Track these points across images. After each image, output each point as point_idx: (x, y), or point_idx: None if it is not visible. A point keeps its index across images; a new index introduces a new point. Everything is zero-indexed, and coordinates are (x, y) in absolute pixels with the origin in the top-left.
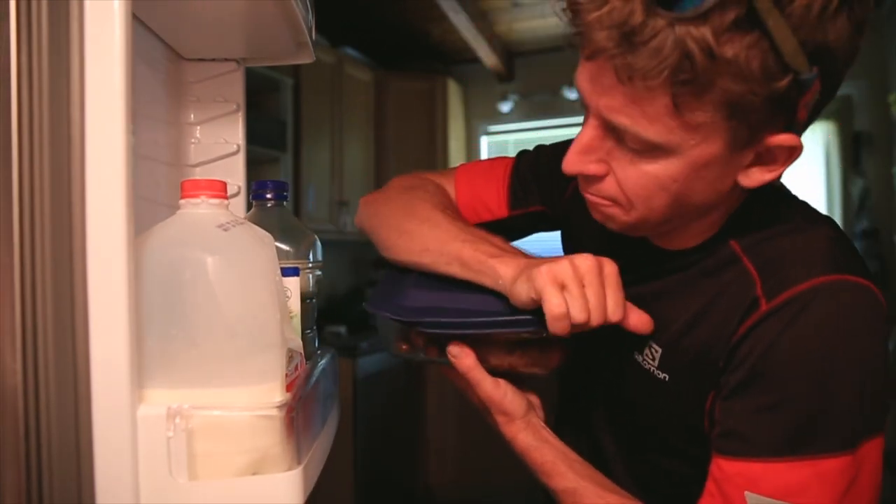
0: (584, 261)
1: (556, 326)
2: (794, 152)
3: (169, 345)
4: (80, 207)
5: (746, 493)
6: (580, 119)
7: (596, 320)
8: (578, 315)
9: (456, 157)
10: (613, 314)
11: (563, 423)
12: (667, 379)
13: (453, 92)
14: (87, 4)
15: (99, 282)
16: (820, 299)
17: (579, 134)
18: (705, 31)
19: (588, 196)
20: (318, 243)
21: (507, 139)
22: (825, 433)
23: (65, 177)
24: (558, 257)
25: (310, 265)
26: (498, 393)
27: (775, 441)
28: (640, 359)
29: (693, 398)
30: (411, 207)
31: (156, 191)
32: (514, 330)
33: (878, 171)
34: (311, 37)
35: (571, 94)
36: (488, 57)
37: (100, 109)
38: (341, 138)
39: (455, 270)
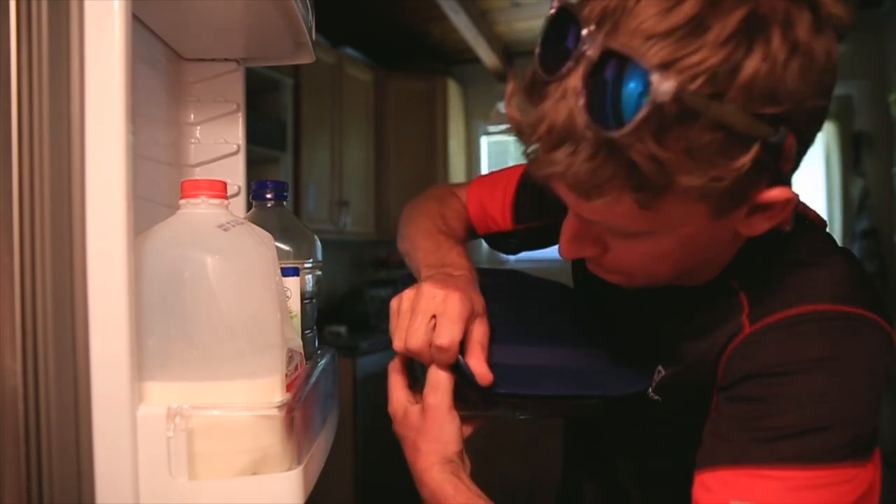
0: (412, 292)
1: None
2: (788, 204)
3: (169, 345)
4: (80, 207)
5: (732, 502)
6: None
7: (413, 346)
8: (395, 343)
9: (456, 157)
10: (438, 339)
11: (570, 457)
12: (659, 400)
13: (453, 92)
14: (87, 4)
15: (99, 282)
16: (805, 325)
17: (565, 222)
18: (646, 139)
19: (595, 269)
20: (318, 243)
21: (507, 139)
22: (798, 444)
23: (65, 177)
24: (432, 283)
25: (310, 265)
26: (454, 421)
27: (752, 447)
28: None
29: (686, 420)
30: (416, 217)
31: (156, 191)
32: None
33: (878, 171)
34: (311, 37)
35: None
36: (488, 57)
37: (100, 109)
38: (341, 138)
39: (414, 274)
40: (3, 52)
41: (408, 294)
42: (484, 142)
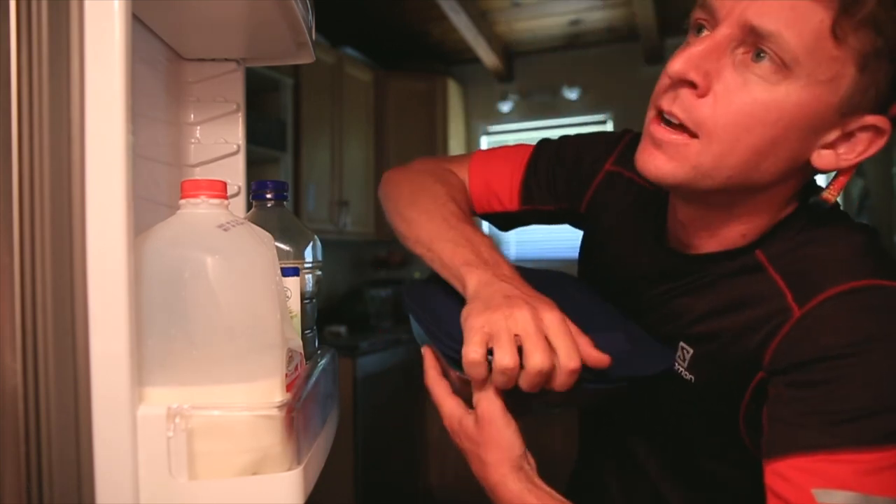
0: (521, 316)
1: (469, 371)
2: (878, 138)
3: (169, 345)
4: (80, 207)
5: (814, 490)
6: (580, 119)
7: (535, 378)
8: (500, 382)
9: None
10: (573, 362)
11: (588, 442)
12: (693, 380)
13: (453, 92)
14: (87, 4)
15: (99, 282)
16: (856, 299)
17: (699, 40)
18: None
19: (661, 130)
20: (318, 243)
21: (507, 139)
22: (868, 425)
23: (65, 177)
24: (513, 298)
25: (309, 265)
26: (511, 424)
27: (822, 432)
28: None
29: (720, 399)
30: (417, 196)
31: (156, 191)
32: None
33: (878, 171)
34: (311, 37)
35: (571, 95)
36: (488, 57)
37: (100, 109)
38: (341, 138)
39: (437, 268)
40: (3, 52)
41: (503, 321)
42: (484, 142)
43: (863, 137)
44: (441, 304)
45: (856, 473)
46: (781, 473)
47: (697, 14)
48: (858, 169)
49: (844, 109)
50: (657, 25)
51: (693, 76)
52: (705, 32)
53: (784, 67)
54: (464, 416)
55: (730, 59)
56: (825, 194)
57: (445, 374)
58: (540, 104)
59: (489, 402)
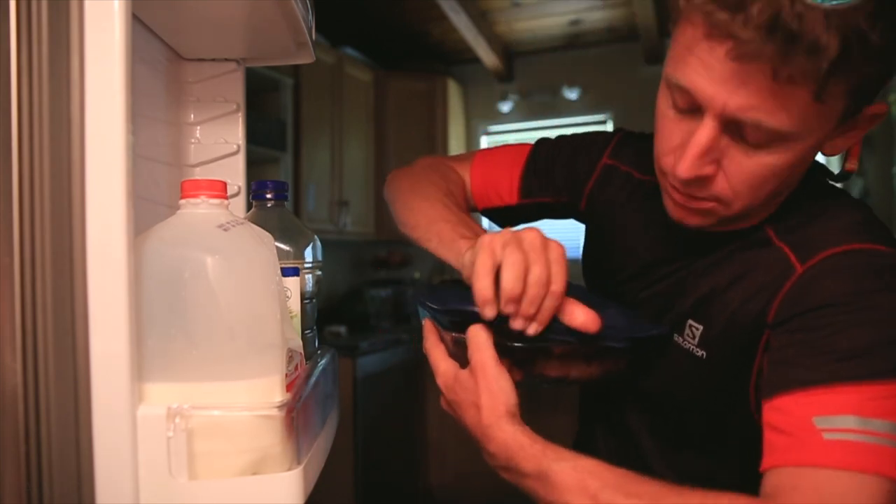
0: (529, 233)
1: (481, 284)
2: (877, 118)
3: (169, 345)
4: (80, 207)
5: (814, 417)
6: (579, 119)
7: (534, 288)
8: (510, 279)
9: None
10: (556, 285)
11: (588, 421)
12: (704, 356)
13: (453, 92)
14: (87, 4)
15: (99, 282)
16: (856, 257)
17: (693, 138)
18: (859, 19)
19: (686, 201)
20: (318, 243)
21: (507, 139)
22: (865, 362)
23: (65, 177)
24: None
25: (309, 265)
26: (505, 373)
27: (822, 369)
28: (679, 339)
29: (732, 371)
30: (419, 186)
31: (156, 191)
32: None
33: (878, 171)
34: (311, 37)
35: (571, 95)
36: (488, 57)
37: (100, 109)
38: (341, 138)
39: (434, 246)
40: (3, 52)
41: (511, 234)
42: (484, 142)
43: (863, 119)
44: (441, 287)
45: (853, 402)
46: (780, 408)
47: (676, 97)
48: (858, 169)
49: (841, 125)
50: (657, 25)
51: (705, 172)
52: (692, 116)
53: (777, 140)
54: (459, 372)
55: (727, 138)
56: (849, 165)
57: (442, 340)
58: (540, 104)
59: (483, 353)
